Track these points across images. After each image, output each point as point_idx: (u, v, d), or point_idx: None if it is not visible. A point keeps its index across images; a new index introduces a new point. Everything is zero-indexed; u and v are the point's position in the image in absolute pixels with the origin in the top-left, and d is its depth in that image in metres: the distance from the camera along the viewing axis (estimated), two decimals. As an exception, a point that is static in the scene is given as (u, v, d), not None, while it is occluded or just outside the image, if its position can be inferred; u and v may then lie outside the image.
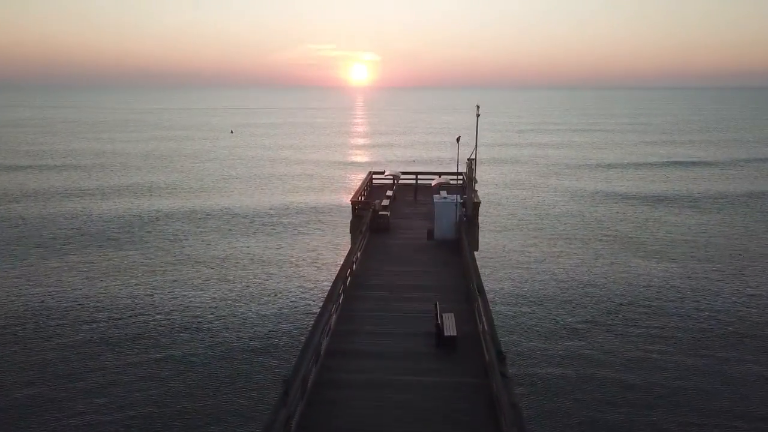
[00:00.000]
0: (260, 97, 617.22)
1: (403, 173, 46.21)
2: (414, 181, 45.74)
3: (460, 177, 45.43)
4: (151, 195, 60.88)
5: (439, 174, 46.20)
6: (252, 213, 52.30)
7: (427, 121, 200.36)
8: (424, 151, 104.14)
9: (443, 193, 38.87)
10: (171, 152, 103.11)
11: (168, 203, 56.35)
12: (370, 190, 42.83)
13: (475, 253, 33.18)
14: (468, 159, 33.45)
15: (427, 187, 43.81)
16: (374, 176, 46.18)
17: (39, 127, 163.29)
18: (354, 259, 24.64)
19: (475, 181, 33.73)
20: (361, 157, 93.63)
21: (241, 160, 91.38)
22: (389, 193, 39.84)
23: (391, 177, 41.54)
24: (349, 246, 30.00)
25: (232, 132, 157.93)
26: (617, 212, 54.58)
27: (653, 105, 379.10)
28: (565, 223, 50.08)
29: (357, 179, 70.24)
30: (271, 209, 53.62)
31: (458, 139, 32.35)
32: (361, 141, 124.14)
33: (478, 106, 33.68)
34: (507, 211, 54.69)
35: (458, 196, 31.02)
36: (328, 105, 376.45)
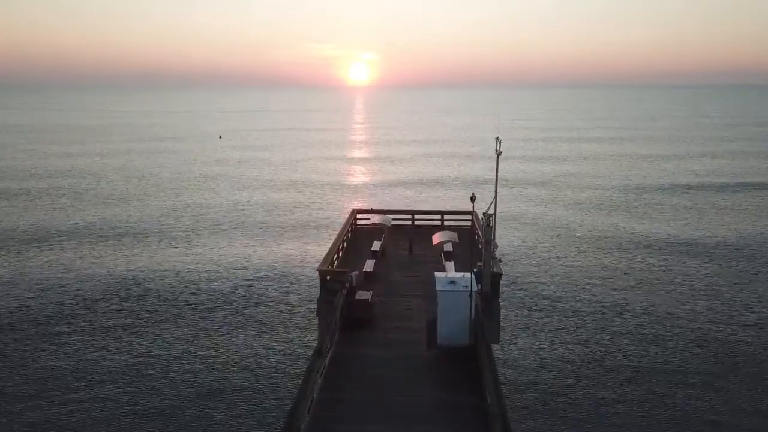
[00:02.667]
0: (258, 97, 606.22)
1: (396, 213, 36.61)
2: (410, 221, 36.10)
3: (469, 218, 35.85)
4: (107, 240, 50.29)
5: (442, 215, 36.42)
6: (206, 282, 38.23)
7: (428, 125, 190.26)
8: (424, 166, 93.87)
9: (449, 267, 27.35)
10: (149, 168, 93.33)
11: (121, 261, 45.24)
12: (353, 236, 33.31)
13: (496, 349, 23.34)
14: (484, 214, 23.58)
15: (427, 231, 34.23)
16: (359, 215, 36.57)
17: (7, 135, 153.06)
18: (307, 409, 14.78)
19: (495, 246, 23.80)
20: (351, 177, 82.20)
21: (220, 180, 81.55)
22: (376, 245, 30.13)
23: (380, 224, 31.44)
24: (313, 349, 19.86)
25: (220, 137, 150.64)
26: (676, 264, 43.24)
27: (657, 105, 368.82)
28: (611, 293, 36.47)
29: (342, 210, 58.61)
30: (231, 274, 39.58)
31: (473, 199, 22.44)
32: (354, 153, 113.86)
33: (498, 141, 23.73)
34: (531, 270, 41.03)
35: (473, 274, 20.92)
36: (325, 107, 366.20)
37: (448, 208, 55.96)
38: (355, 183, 76.68)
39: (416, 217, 36.44)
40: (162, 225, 53.68)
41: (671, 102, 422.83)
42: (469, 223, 35.89)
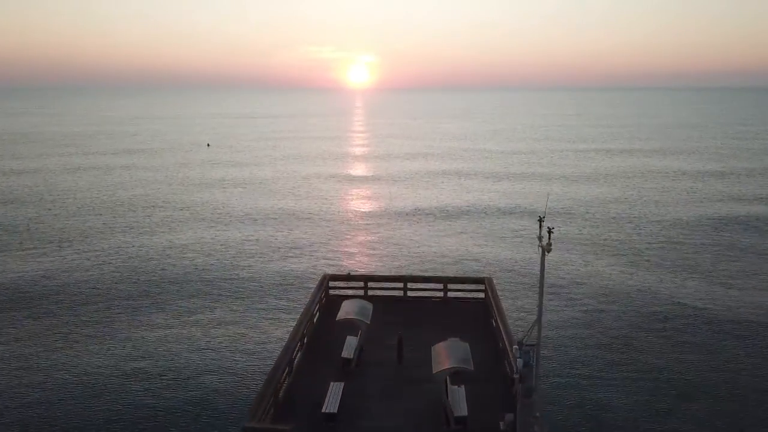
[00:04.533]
0: (256, 100, 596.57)
1: (383, 281, 26.96)
2: (401, 291, 26.45)
3: (482, 289, 26.38)
4: (32, 301, 40.74)
5: (445, 284, 26.85)
6: (124, 385, 28.40)
7: (428, 133, 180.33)
8: (423, 189, 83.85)
9: (458, 398, 16.87)
10: (123, 188, 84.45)
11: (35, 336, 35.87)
12: (321, 317, 23.96)
13: None
14: (519, 343, 14.06)
15: (425, 313, 24.66)
16: (332, 282, 27.19)
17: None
18: None
19: (534, 388, 14.20)
20: (338, 207, 70.66)
21: (193, 210, 72.60)
22: (349, 346, 20.62)
23: (354, 320, 21.31)
24: None
25: (208, 145, 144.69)
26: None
27: (665, 109, 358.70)
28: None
29: (317, 263, 46.99)
30: (158, 370, 28.56)
31: (516, 346, 12.84)
32: (346, 170, 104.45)
33: (541, 221, 14.12)
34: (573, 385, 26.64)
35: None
36: (323, 110, 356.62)
37: (452, 262, 45.15)
38: (341, 215, 65.49)
39: (410, 285, 26.93)
40: (107, 282, 44.03)
41: (677, 106, 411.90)
42: (482, 295, 26.51)
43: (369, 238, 54.36)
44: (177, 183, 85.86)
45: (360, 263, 46.27)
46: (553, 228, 14.66)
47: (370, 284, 26.49)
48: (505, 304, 32.79)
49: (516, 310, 34.76)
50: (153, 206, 68.93)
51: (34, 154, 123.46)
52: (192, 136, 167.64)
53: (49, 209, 67.29)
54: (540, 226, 14.05)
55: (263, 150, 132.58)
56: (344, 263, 46.00)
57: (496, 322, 22.76)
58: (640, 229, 57.56)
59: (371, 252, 49.57)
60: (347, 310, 21.12)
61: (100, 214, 64.61)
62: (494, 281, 27.52)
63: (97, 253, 49.50)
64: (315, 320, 23.38)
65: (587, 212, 65.43)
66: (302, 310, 23.77)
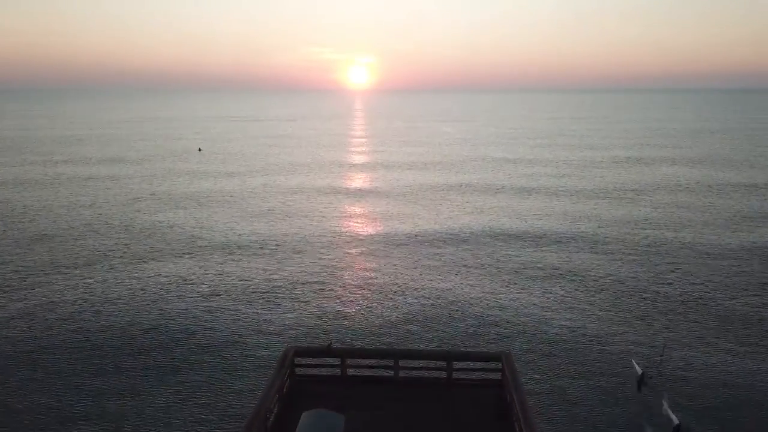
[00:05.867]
0: (256, 102, 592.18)
1: (366, 358, 20.66)
2: (391, 371, 20.30)
3: (497, 368, 20.39)
4: None
5: (448, 361, 20.75)
6: None
7: (428, 137, 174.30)
8: (421, 208, 77.54)
9: None
10: (103, 201, 78.73)
11: None
12: (284, 404, 18.01)
13: None
14: None
15: (422, 400, 18.69)
16: (298, 360, 21.11)
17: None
18: None
19: None
20: (316, 242, 64.82)
21: (164, 234, 67.29)
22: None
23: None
24: None
25: (200, 150, 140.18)
26: None
27: (669, 111, 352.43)
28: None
29: (279, 334, 40.14)
30: None
31: None
32: (337, 182, 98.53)
33: (644, 381, 8.18)
34: None
35: None
36: (322, 113, 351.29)
37: (459, 336, 32.55)
38: (322, 252, 58.55)
39: (402, 363, 21.02)
40: (46, 334, 38.15)
41: (677, 108, 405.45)
42: (498, 376, 20.66)
43: (351, 289, 45.05)
44: (161, 193, 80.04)
45: (337, 322, 40.00)
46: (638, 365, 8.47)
47: (349, 361, 20.63)
48: (528, 387, 25.02)
49: (540, 393, 25.42)
50: (127, 227, 62.88)
51: (12, 162, 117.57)
52: (185, 141, 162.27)
53: (13, 226, 61.44)
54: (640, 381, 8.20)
55: (256, 157, 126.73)
56: (319, 317, 37.92)
57: (519, 424, 16.84)
58: (669, 258, 51.50)
59: (351, 309, 40.69)
60: (307, 432, 15.02)
61: (69, 232, 58.75)
62: (513, 356, 21.29)
63: (55, 290, 43.65)
64: (270, 422, 17.38)
65: (601, 231, 59.41)
66: (254, 406, 17.76)
